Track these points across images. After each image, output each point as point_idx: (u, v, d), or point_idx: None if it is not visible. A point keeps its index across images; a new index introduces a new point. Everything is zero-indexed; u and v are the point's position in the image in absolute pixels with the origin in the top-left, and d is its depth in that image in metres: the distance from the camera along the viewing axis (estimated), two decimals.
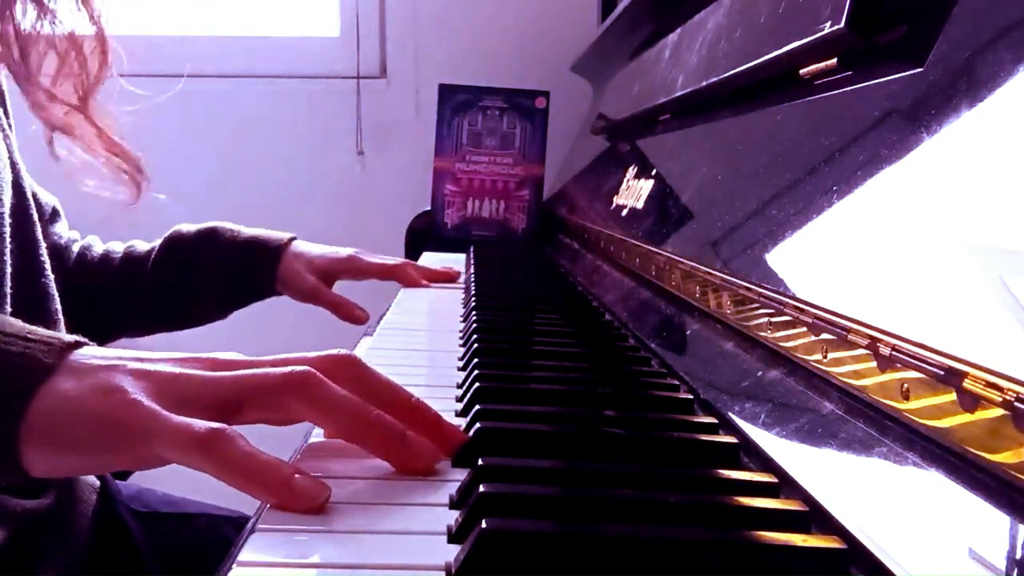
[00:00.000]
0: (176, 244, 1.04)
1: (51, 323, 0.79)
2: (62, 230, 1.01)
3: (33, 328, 0.48)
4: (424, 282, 1.11)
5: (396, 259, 1.15)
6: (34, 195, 0.90)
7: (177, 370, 0.46)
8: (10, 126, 0.82)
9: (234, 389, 0.46)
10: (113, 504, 0.83)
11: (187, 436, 0.42)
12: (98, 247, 1.05)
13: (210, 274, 1.02)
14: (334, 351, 0.49)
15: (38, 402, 0.44)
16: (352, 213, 1.90)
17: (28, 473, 0.45)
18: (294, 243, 1.06)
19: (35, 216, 0.81)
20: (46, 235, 0.95)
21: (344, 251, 1.08)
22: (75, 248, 1.02)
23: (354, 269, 1.08)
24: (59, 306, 0.81)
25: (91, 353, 0.47)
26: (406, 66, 1.90)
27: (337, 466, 0.46)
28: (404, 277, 1.11)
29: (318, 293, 1.04)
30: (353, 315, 1.05)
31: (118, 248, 1.05)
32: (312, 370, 0.46)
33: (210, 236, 1.04)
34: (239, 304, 1.07)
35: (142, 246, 1.05)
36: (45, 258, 0.81)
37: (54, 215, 0.99)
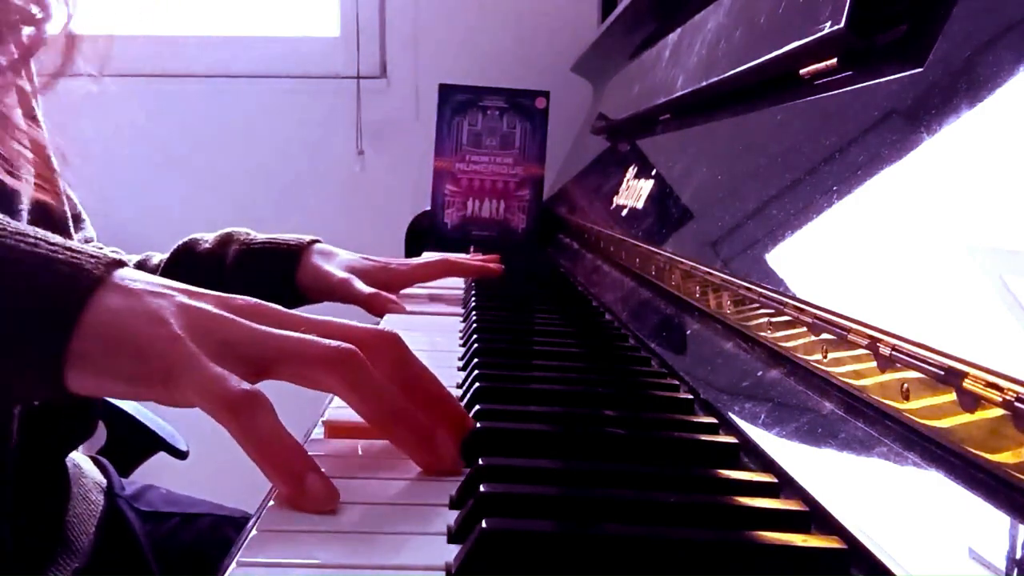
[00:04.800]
0: (184, 256, 0.98)
1: None
2: (84, 236, 0.97)
3: (75, 243, 0.48)
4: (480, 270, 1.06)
5: (432, 256, 1.08)
6: (67, 197, 0.88)
7: (224, 314, 0.46)
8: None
9: (275, 349, 0.45)
10: (116, 503, 0.83)
11: (221, 392, 0.41)
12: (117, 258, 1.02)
13: (220, 287, 0.97)
14: (378, 327, 0.49)
15: (88, 314, 0.44)
16: (352, 213, 1.90)
17: (67, 389, 0.44)
18: (318, 246, 0.98)
19: (65, 219, 0.78)
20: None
21: (374, 258, 1.01)
22: None
23: (392, 278, 1.00)
24: None
25: (136, 276, 0.47)
26: (406, 66, 1.90)
27: (338, 464, 0.46)
28: (454, 270, 1.06)
29: (347, 288, 0.93)
30: (387, 308, 0.93)
31: (133, 259, 1.01)
32: (355, 350, 0.45)
33: (221, 245, 0.98)
34: None
35: (156, 258, 1.00)
36: None
37: (77, 220, 0.95)
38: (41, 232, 0.47)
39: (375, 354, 0.46)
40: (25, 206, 0.73)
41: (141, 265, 1.00)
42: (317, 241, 0.99)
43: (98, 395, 0.46)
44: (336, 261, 0.98)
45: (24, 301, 0.44)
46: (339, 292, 0.94)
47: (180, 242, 1.00)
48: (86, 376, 0.44)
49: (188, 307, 0.45)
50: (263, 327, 0.46)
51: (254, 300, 0.49)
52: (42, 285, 0.44)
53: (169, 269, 0.97)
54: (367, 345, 0.46)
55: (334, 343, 0.45)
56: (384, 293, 0.93)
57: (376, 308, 0.92)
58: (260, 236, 0.99)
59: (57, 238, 0.47)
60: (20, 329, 0.44)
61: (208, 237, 0.99)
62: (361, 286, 0.94)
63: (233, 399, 0.41)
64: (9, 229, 0.47)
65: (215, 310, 0.46)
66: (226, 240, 0.98)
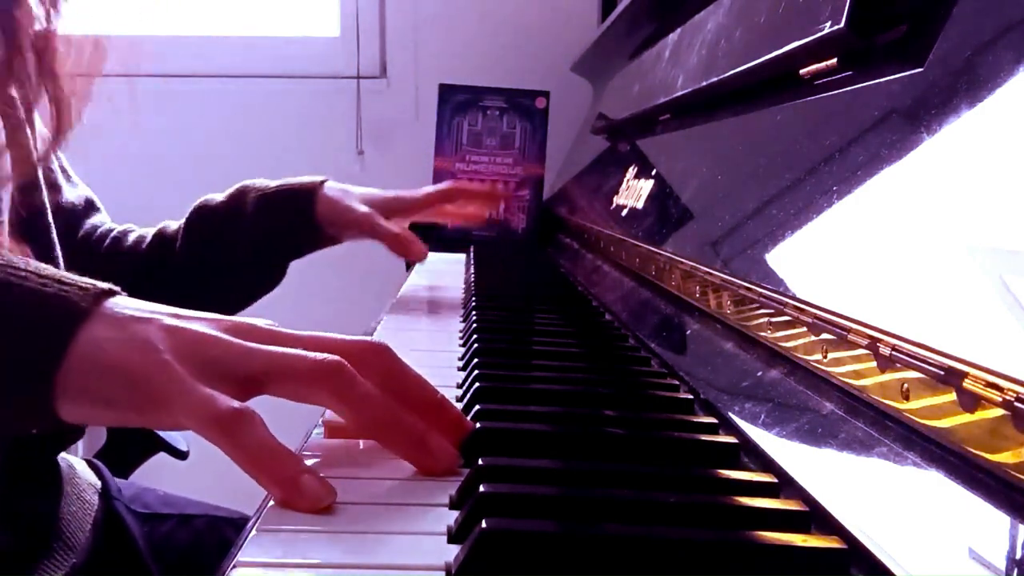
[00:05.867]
0: (202, 213, 0.99)
1: None
2: (100, 220, 0.98)
3: (66, 273, 0.48)
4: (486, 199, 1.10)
5: (438, 186, 1.11)
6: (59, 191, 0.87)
7: (212, 333, 0.46)
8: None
9: (264, 366, 0.45)
10: (113, 505, 0.83)
11: (209, 411, 0.42)
12: (135, 233, 1.01)
13: (243, 234, 0.97)
14: (367, 338, 0.49)
15: (76, 347, 0.44)
16: None
17: (59, 420, 0.44)
18: (329, 183, 1.00)
19: (44, 215, 0.78)
20: (78, 227, 0.93)
21: (387, 192, 1.04)
22: (111, 236, 0.99)
23: (405, 205, 1.03)
24: None
25: (125, 303, 0.47)
26: (406, 66, 1.90)
27: (337, 465, 0.46)
28: (460, 194, 1.08)
29: (372, 221, 0.96)
30: (411, 249, 0.97)
31: (151, 230, 1.02)
32: (343, 362, 0.45)
33: (236, 196, 0.99)
34: (282, 261, 1.00)
35: (173, 225, 1.01)
36: (58, 257, 0.79)
37: (89, 207, 0.97)
38: (33, 264, 0.48)
39: (364, 366, 0.46)
40: (5, 211, 0.72)
41: (159, 236, 1.00)
42: (327, 180, 1.01)
43: (92, 423, 0.46)
44: (353, 195, 0.99)
45: (12, 336, 0.44)
46: (363, 226, 0.97)
47: (193, 206, 1.00)
48: (77, 406, 0.44)
49: (175, 330, 0.46)
50: (251, 344, 0.46)
51: (241, 320, 0.49)
52: (30, 319, 0.45)
53: (188, 232, 0.98)
54: (356, 357, 0.46)
55: (321, 356, 0.45)
56: (408, 233, 0.97)
57: (400, 248, 0.96)
58: (273, 182, 1.00)
59: (48, 269, 0.48)
60: (9, 364, 0.44)
61: (218, 196, 1.01)
62: (385, 223, 0.96)
63: (222, 417, 0.42)
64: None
65: (202, 330, 0.46)
66: (241, 193, 1.00)
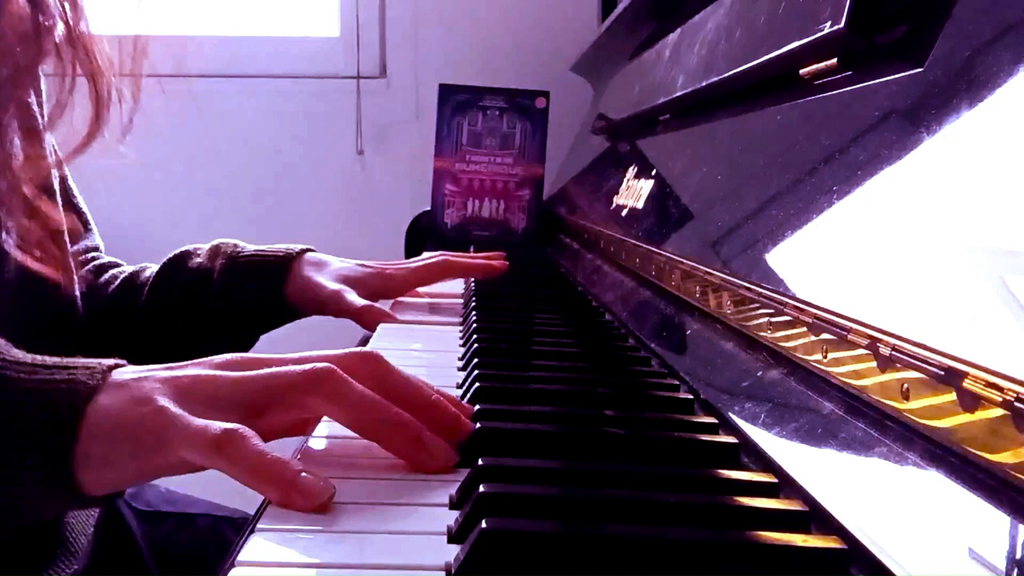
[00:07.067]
0: (173, 270, 0.90)
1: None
2: (88, 243, 0.92)
3: (70, 359, 0.50)
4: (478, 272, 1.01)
5: (428, 257, 1.00)
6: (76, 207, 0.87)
7: (204, 373, 0.48)
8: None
9: (258, 388, 0.47)
10: (114, 503, 0.83)
11: (204, 437, 0.43)
12: (110, 272, 0.93)
13: (207, 306, 0.88)
14: (356, 349, 0.51)
15: (86, 423, 0.46)
16: (352, 213, 1.90)
17: (82, 492, 0.46)
18: (309, 255, 0.90)
19: (57, 286, 0.75)
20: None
21: (370, 264, 0.94)
22: (90, 266, 0.92)
23: (391, 285, 0.93)
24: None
25: (125, 371, 0.49)
26: (406, 66, 1.90)
27: (338, 464, 0.46)
28: (455, 270, 0.99)
29: (338, 304, 0.86)
30: (378, 322, 0.85)
31: (126, 271, 0.93)
32: (333, 367, 0.47)
33: (209, 258, 0.90)
34: (251, 333, 0.91)
35: (148, 271, 0.92)
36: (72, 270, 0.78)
37: (84, 227, 0.92)
38: (39, 359, 0.49)
39: (357, 373, 0.47)
40: (12, 272, 0.70)
41: (128, 282, 0.92)
42: (309, 250, 0.91)
43: (115, 488, 0.49)
44: (328, 271, 0.90)
45: (26, 427, 0.46)
46: (330, 305, 0.87)
47: (170, 255, 0.92)
48: (97, 473, 0.46)
49: (169, 379, 0.47)
50: (242, 373, 0.48)
51: (231, 355, 0.50)
52: (41, 410, 0.46)
53: (157, 284, 0.90)
54: (346, 367, 0.47)
55: (309, 365, 0.47)
56: (376, 306, 0.87)
57: (368, 322, 0.86)
58: (248, 248, 0.90)
59: (53, 359, 0.49)
60: (29, 456, 0.46)
61: (201, 249, 0.92)
62: (352, 298, 0.87)
63: (215, 439, 0.43)
64: (7, 359, 0.49)
65: (195, 372, 0.48)
66: (213, 253, 0.90)
